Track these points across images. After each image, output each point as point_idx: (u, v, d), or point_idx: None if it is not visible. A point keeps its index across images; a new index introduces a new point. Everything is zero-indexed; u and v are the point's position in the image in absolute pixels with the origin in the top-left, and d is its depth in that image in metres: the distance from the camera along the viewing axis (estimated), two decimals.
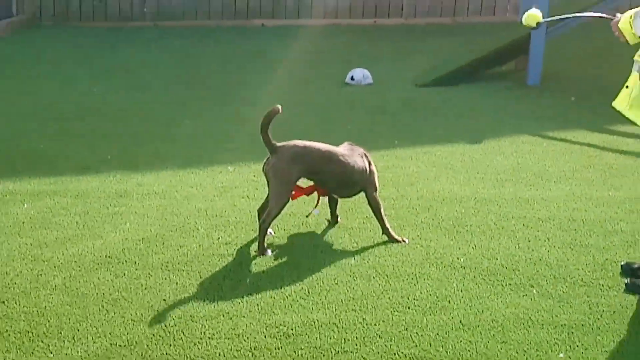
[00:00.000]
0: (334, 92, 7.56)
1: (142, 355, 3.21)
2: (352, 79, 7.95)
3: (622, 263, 4.01)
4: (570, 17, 4.75)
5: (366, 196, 4.42)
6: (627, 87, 3.75)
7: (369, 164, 4.44)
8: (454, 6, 11.37)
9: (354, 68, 8.10)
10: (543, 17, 4.14)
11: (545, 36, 7.63)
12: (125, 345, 3.27)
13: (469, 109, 7.04)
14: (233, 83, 7.88)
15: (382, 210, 4.39)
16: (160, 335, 3.34)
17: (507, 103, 7.22)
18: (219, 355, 3.22)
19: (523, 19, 4.04)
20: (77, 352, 3.23)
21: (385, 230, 4.38)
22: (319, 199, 4.43)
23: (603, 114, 5.79)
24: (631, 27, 3.52)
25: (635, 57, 3.72)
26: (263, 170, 4.25)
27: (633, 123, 3.79)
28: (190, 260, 4.05)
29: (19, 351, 3.22)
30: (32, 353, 3.21)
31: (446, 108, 7.07)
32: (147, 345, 3.27)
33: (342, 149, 4.40)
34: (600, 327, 3.46)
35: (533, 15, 3.97)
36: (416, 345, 3.30)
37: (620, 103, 3.77)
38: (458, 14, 11.41)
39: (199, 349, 3.26)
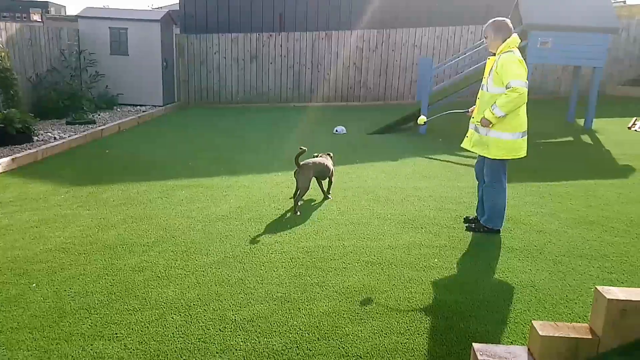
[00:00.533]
0: (327, 138, 7.58)
1: (240, 261, 3.26)
2: (336, 131, 7.96)
3: (464, 217, 4.07)
4: (440, 115, 4.55)
5: (330, 179, 4.53)
6: (467, 136, 3.78)
7: (332, 165, 4.56)
8: (384, 95, 11.41)
9: (337, 125, 8.13)
10: (427, 118, 4.09)
11: (428, 110, 7.69)
12: (231, 257, 3.33)
13: (391, 145, 7.06)
14: (277, 133, 7.89)
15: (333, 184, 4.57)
16: (247, 252, 3.40)
17: (410, 142, 7.24)
18: (275, 261, 3.27)
19: (418, 121, 3.95)
20: (208, 259, 3.29)
21: (328, 190, 4.52)
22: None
23: (455, 147, 5.83)
24: (492, 114, 3.44)
25: (471, 121, 3.75)
26: (294, 175, 4.28)
27: (473, 152, 3.76)
28: (261, 217, 4.08)
29: (181, 261, 3.28)
30: (188, 260, 3.28)
31: (381, 144, 7.08)
32: (243, 258, 3.32)
33: (325, 160, 4.47)
34: (454, 247, 3.52)
35: (422, 119, 3.91)
36: (367, 255, 3.36)
37: (466, 144, 3.78)
38: (387, 100, 11.42)
39: (266, 258, 3.31)
